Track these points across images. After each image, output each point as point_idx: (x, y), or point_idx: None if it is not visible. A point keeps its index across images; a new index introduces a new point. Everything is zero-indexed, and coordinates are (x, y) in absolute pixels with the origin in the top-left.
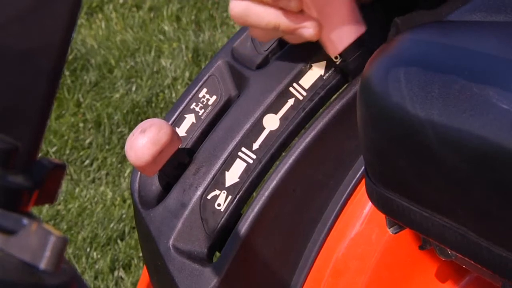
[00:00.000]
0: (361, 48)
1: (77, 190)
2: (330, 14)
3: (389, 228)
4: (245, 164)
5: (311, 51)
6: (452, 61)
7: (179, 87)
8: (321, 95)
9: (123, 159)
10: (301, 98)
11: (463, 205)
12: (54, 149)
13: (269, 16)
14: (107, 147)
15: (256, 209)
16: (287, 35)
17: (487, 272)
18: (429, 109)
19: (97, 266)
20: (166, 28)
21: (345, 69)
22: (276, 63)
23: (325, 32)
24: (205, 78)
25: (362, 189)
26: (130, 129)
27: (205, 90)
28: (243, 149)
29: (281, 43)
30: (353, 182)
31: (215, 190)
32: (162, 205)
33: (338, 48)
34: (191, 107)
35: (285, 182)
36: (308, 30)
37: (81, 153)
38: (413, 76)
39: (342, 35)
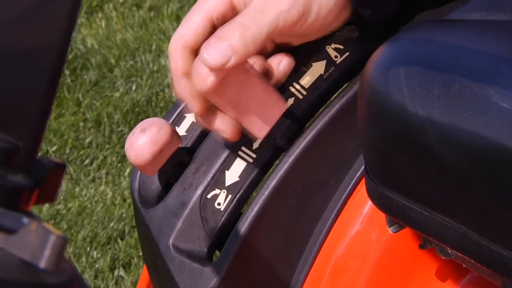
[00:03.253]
0: (287, 123)
1: (77, 189)
2: (246, 105)
3: (389, 227)
4: (245, 163)
5: (311, 51)
6: (452, 60)
7: None
8: (321, 94)
9: (123, 158)
10: (301, 97)
11: (463, 204)
12: (54, 148)
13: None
14: (107, 146)
15: (256, 208)
16: None
17: (488, 271)
18: (429, 108)
19: (97, 265)
20: (166, 27)
21: (277, 145)
22: None
23: (246, 122)
24: None
25: (362, 188)
26: (130, 128)
27: None
28: (243, 148)
29: None
30: (353, 181)
31: (215, 189)
32: (162, 204)
33: (262, 133)
34: None
35: (285, 181)
36: (225, 135)
37: (81, 152)
38: (413, 75)
39: (263, 120)
